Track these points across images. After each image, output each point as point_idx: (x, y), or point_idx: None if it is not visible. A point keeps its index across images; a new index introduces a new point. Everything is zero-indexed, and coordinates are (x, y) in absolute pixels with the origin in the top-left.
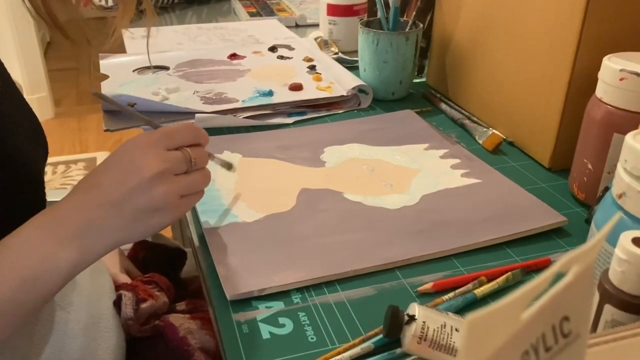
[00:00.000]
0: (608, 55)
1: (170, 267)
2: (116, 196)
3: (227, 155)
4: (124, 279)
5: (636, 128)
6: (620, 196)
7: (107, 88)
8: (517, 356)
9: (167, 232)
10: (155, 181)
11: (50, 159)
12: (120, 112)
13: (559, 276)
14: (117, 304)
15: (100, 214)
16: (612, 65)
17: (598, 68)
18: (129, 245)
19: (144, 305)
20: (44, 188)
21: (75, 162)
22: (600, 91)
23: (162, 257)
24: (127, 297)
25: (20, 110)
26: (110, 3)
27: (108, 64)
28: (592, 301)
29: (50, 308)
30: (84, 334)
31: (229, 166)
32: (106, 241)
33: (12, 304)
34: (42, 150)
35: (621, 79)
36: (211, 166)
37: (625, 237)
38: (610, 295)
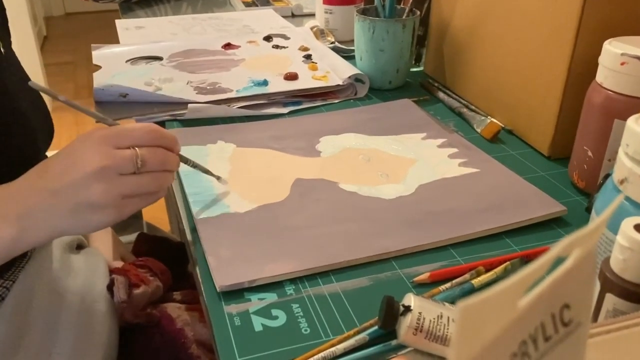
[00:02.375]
0: (609, 40)
1: (174, 262)
2: (57, 185)
3: (221, 145)
4: (118, 265)
5: (637, 113)
6: (622, 182)
7: (100, 79)
8: (514, 346)
9: (165, 226)
10: (96, 177)
11: (48, 153)
12: (112, 103)
13: (558, 261)
14: (110, 288)
15: (40, 199)
16: (613, 50)
17: (598, 54)
18: (132, 238)
19: (137, 291)
20: None
21: None
22: (600, 76)
23: (166, 252)
24: (120, 280)
25: (35, 105)
26: None
27: (101, 54)
28: (593, 288)
29: (44, 293)
30: (78, 318)
31: (217, 177)
32: (45, 226)
33: None
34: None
35: (622, 64)
36: (201, 157)
37: (627, 224)
38: (612, 284)
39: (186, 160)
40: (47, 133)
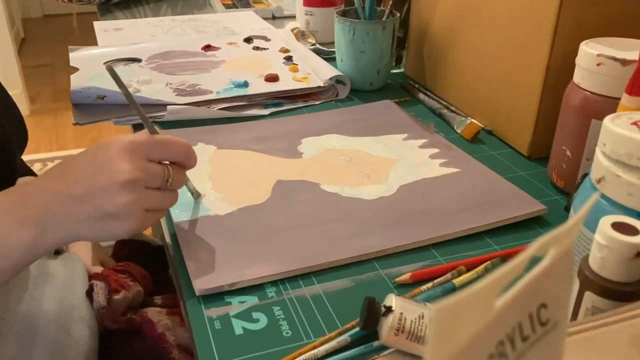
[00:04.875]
0: (585, 41)
1: (155, 266)
2: (80, 190)
3: (201, 147)
4: (98, 270)
5: (613, 113)
6: (599, 181)
7: (77, 81)
8: (491, 347)
9: (147, 230)
10: (124, 188)
11: (26, 157)
12: (90, 105)
13: (535, 260)
14: (89, 294)
15: (61, 204)
16: (589, 51)
17: (575, 54)
18: (111, 243)
19: (116, 297)
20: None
21: (52, 159)
22: (577, 77)
23: (147, 255)
24: (99, 286)
25: (6, 110)
26: None
27: (78, 56)
28: (571, 287)
29: (21, 299)
30: (56, 325)
31: (197, 194)
32: (62, 231)
33: None
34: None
35: (598, 64)
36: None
37: (605, 222)
38: (591, 282)
39: None
40: (20, 138)
